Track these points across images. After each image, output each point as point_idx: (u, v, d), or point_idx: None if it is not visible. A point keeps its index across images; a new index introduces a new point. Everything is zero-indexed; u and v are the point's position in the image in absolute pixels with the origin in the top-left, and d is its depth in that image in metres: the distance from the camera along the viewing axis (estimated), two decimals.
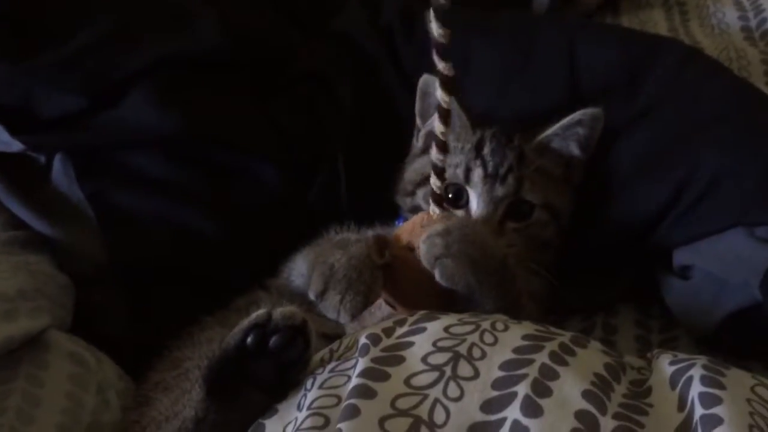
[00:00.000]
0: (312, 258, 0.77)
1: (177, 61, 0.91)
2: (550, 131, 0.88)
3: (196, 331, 0.80)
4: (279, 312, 0.63)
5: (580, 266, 0.89)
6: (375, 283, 0.70)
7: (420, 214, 0.77)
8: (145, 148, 0.90)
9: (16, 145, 0.87)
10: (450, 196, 0.86)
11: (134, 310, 0.87)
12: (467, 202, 0.86)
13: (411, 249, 0.73)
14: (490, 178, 0.85)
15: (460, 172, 0.86)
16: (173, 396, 0.69)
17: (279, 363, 0.62)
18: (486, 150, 0.87)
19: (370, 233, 0.79)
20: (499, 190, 0.85)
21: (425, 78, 0.88)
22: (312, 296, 0.71)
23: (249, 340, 0.61)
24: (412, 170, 0.92)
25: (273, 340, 0.61)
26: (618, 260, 0.90)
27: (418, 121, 0.93)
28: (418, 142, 0.94)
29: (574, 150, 0.89)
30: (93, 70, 0.88)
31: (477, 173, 0.85)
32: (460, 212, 0.85)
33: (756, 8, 1.33)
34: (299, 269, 0.82)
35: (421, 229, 0.73)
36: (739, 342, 0.81)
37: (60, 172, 0.89)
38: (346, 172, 0.95)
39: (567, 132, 0.87)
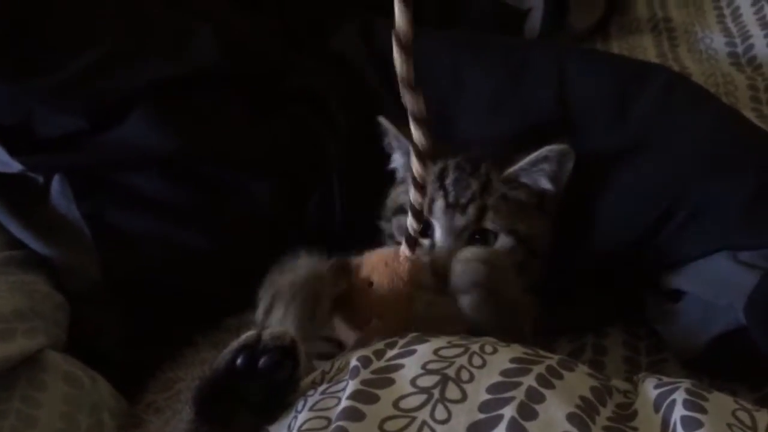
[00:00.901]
0: (265, 281, 0.77)
1: (175, 81, 0.92)
2: (516, 166, 0.87)
3: (189, 353, 0.81)
4: (268, 333, 0.63)
5: (567, 289, 0.90)
6: (322, 294, 0.71)
7: (387, 251, 0.76)
8: (143, 168, 0.91)
9: (15, 166, 0.88)
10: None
11: (128, 330, 0.88)
12: (432, 232, 0.86)
13: (370, 284, 0.74)
14: (450, 209, 0.85)
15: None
16: (164, 418, 0.70)
17: (269, 384, 0.63)
18: (448, 180, 0.87)
19: (333, 259, 0.79)
20: (460, 220, 0.85)
21: (380, 120, 0.90)
22: (260, 315, 0.71)
23: (238, 361, 0.62)
24: (392, 197, 0.93)
25: (262, 361, 0.62)
26: (604, 284, 0.91)
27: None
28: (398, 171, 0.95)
29: (545, 184, 0.88)
30: (92, 91, 0.89)
31: (438, 204, 0.85)
32: (426, 241, 0.85)
33: (743, 34, 1.36)
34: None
35: (384, 266, 0.74)
36: (725, 364, 0.82)
37: (58, 192, 0.90)
38: (340, 191, 0.96)
39: (534, 168, 0.87)
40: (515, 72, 1.00)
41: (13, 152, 0.87)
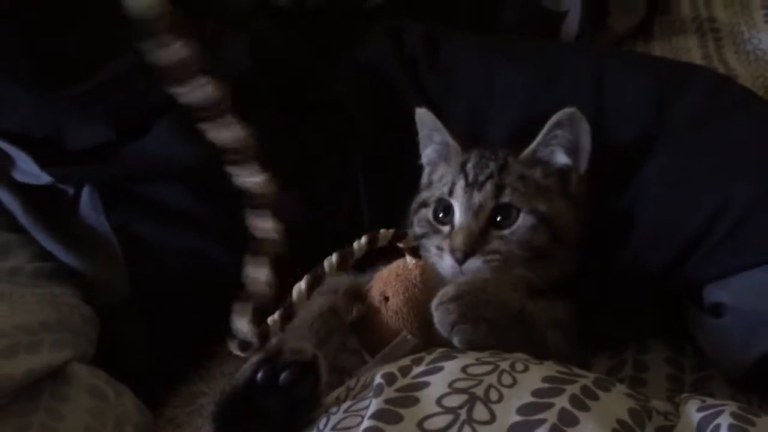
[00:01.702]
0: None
1: None
2: (532, 144, 0.87)
3: (212, 365, 0.80)
4: (289, 347, 0.62)
5: (607, 300, 0.86)
6: (336, 329, 0.72)
7: (396, 263, 0.77)
8: (169, 180, 0.91)
9: (44, 178, 0.88)
10: (440, 214, 0.87)
11: (154, 342, 0.87)
12: (452, 215, 0.86)
13: (386, 299, 0.74)
14: (469, 188, 0.85)
15: (446, 188, 0.87)
16: None
17: (289, 399, 0.62)
18: (469, 165, 0.88)
19: (348, 280, 0.80)
20: (477, 197, 0.84)
21: (418, 112, 0.91)
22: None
23: (258, 376, 0.61)
24: (416, 200, 0.93)
25: (283, 377, 0.61)
26: (645, 294, 0.87)
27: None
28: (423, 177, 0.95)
29: (561, 157, 0.87)
30: (120, 102, 0.89)
31: (459, 185, 0.87)
32: (446, 228, 0.86)
33: None
34: None
35: (395, 278, 0.74)
36: None
37: (88, 204, 0.90)
38: (367, 198, 0.94)
39: (548, 137, 0.87)
40: (549, 77, 0.98)
41: (42, 164, 0.88)
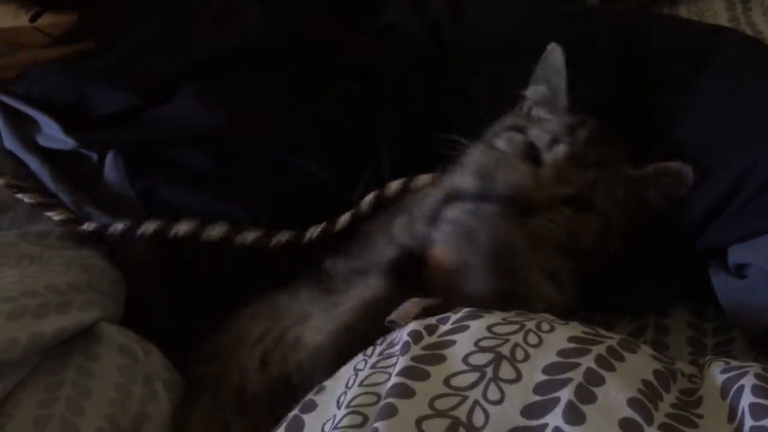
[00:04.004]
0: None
1: (224, 58, 0.91)
2: (644, 171, 0.84)
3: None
4: None
5: (631, 267, 0.86)
6: None
7: None
8: (193, 145, 0.91)
9: (69, 143, 0.90)
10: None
11: (180, 306, 0.89)
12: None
13: None
14: (570, 159, 0.80)
15: (547, 139, 0.82)
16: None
17: None
18: (581, 133, 0.82)
19: None
20: (572, 174, 0.80)
21: (551, 47, 0.87)
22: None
23: None
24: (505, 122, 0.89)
25: None
26: (671, 259, 0.87)
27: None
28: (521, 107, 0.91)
29: (655, 200, 0.84)
30: (143, 69, 0.90)
31: (561, 149, 0.81)
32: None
33: None
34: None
35: None
36: None
37: (112, 169, 0.91)
38: (391, 165, 0.94)
39: (656, 179, 0.83)
40: (577, 42, 0.95)
41: (67, 129, 0.88)
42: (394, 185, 0.86)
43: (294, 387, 0.70)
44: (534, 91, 0.91)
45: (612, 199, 0.82)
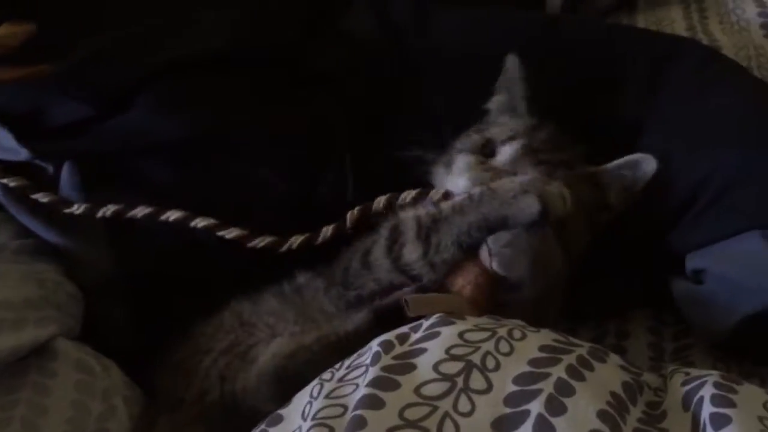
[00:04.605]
0: None
1: (183, 66, 0.90)
2: (603, 166, 0.85)
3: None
4: None
5: (592, 272, 0.86)
6: None
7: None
8: (151, 155, 0.89)
9: (23, 153, 0.87)
10: (485, 150, 0.84)
11: (138, 320, 0.87)
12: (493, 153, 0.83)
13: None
14: (527, 150, 0.82)
15: (506, 135, 0.84)
16: None
17: None
18: (541, 134, 0.84)
19: None
20: (525, 167, 0.81)
21: (510, 58, 0.89)
22: None
23: None
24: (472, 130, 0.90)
25: None
26: (629, 266, 0.88)
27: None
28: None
29: (611, 194, 0.85)
30: (99, 78, 0.87)
31: (519, 143, 0.82)
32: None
33: None
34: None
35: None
36: (753, 348, 0.79)
37: (68, 181, 0.88)
38: (352, 171, 0.93)
39: (615, 172, 0.84)
40: (541, 49, 0.97)
41: (20, 139, 0.86)
42: (383, 200, 0.85)
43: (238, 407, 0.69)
44: (496, 102, 0.92)
45: (573, 197, 0.82)
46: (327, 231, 0.85)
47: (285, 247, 0.85)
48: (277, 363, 0.68)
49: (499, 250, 0.71)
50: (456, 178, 0.82)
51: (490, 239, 0.73)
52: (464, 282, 0.74)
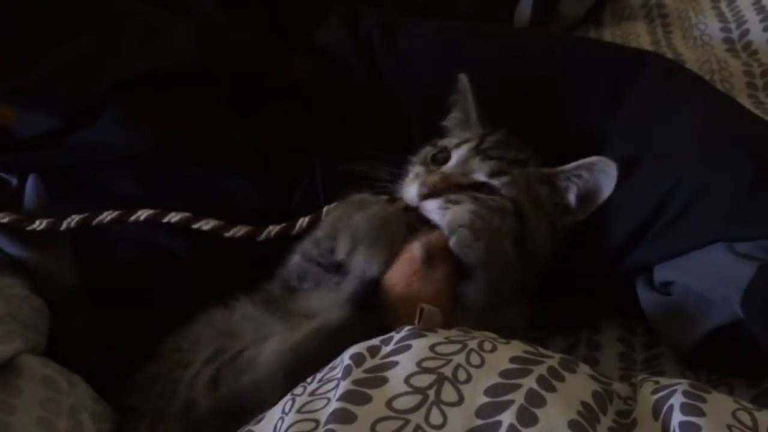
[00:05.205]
0: (333, 222, 0.81)
1: (150, 79, 0.89)
2: (559, 168, 0.86)
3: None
4: None
5: (561, 284, 0.87)
6: (398, 231, 0.77)
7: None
8: (118, 168, 0.88)
9: None
10: (438, 157, 0.88)
11: (105, 334, 0.85)
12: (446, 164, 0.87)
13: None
14: (476, 151, 0.86)
15: (456, 141, 0.89)
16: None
17: None
18: (491, 138, 0.88)
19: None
20: (476, 164, 0.85)
21: (461, 77, 0.93)
22: (342, 257, 0.77)
23: None
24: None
25: None
26: (598, 278, 0.89)
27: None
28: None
29: (571, 197, 0.86)
30: (66, 90, 0.87)
31: (469, 145, 0.87)
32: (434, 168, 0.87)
33: (738, 19, 1.34)
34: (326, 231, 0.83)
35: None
36: (721, 359, 0.80)
37: (32, 194, 0.87)
38: (324, 184, 0.93)
39: (573, 173, 0.86)
40: (508, 63, 0.98)
41: None
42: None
43: (242, 407, 0.68)
44: (450, 119, 0.96)
45: (526, 191, 0.85)
46: (303, 221, 0.87)
47: (263, 236, 0.85)
48: (286, 356, 0.69)
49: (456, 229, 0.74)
50: (407, 188, 0.85)
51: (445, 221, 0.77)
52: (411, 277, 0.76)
